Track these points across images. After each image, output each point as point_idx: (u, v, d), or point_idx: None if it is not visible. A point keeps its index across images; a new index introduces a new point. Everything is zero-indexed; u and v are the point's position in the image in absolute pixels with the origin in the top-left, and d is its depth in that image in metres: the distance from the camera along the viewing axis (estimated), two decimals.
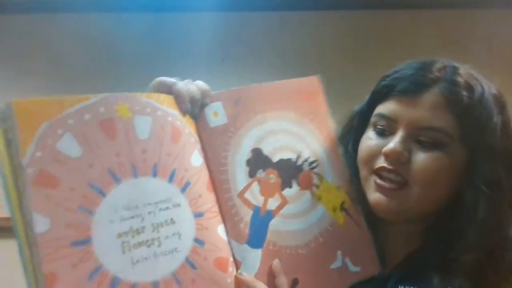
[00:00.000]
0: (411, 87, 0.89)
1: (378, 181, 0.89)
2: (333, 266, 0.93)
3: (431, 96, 0.88)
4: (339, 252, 0.94)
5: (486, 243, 0.85)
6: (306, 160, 0.97)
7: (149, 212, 0.75)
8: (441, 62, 0.92)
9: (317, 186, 0.97)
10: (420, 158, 0.86)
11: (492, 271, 0.84)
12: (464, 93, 0.87)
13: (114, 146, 0.74)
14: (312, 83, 1.03)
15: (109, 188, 0.72)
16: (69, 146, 0.69)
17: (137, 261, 0.72)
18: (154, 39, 3.00)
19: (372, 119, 0.95)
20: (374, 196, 0.91)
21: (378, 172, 0.90)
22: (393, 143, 0.87)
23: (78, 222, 0.67)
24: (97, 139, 0.72)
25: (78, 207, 0.68)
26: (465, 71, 0.90)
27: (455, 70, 0.90)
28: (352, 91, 1.06)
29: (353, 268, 0.95)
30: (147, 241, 0.74)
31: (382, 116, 0.92)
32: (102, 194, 0.71)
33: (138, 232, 0.73)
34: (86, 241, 0.67)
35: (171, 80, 0.88)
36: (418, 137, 0.87)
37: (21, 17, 3.02)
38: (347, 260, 0.95)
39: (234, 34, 3.00)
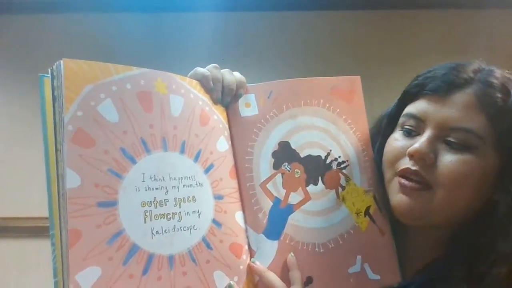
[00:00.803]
0: (443, 85, 0.85)
1: (402, 181, 0.85)
2: (351, 270, 0.91)
3: (463, 96, 0.84)
4: (358, 257, 0.93)
5: None
6: (335, 159, 0.96)
7: (173, 187, 0.77)
8: (478, 64, 0.89)
9: (343, 187, 0.95)
10: (448, 160, 0.82)
11: None
12: (499, 95, 0.84)
13: (148, 118, 0.77)
14: (351, 82, 1.02)
15: (139, 157, 0.74)
16: (108, 110, 0.72)
17: (157, 232, 0.73)
18: (154, 39, 3.02)
19: (400, 120, 0.92)
20: (396, 197, 0.87)
21: (402, 174, 0.86)
22: (419, 143, 0.83)
23: (107, 184, 0.69)
24: (134, 109, 0.75)
25: (109, 169, 0.70)
26: (501, 74, 0.88)
27: (491, 72, 0.87)
28: None
29: (372, 275, 0.92)
30: (168, 214, 0.75)
31: (410, 115, 0.89)
32: (133, 161, 0.73)
33: (161, 204, 0.75)
34: (112, 204, 0.69)
35: (204, 69, 0.90)
36: (446, 137, 0.83)
37: (21, 17, 3.08)
38: (367, 266, 0.93)
39: (234, 34, 3.02)
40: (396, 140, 0.91)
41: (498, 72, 0.88)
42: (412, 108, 0.90)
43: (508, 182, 0.82)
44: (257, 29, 3.06)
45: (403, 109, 0.93)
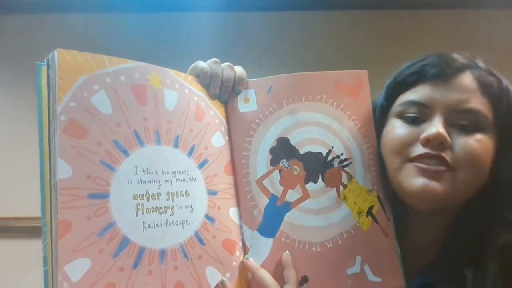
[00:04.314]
0: (447, 69, 0.87)
1: (421, 165, 0.84)
2: (349, 271, 0.90)
3: (465, 78, 0.86)
4: (358, 258, 0.91)
5: None
6: (337, 157, 0.94)
7: (166, 180, 0.79)
8: (457, 53, 0.93)
9: (345, 186, 0.94)
10: (463, 141, 0.83)
11: None
12: (493, 78, 0.89)
13: (142, 111, 0.78)
14: (357, 77, 0.99)
15: (133, 150, 0.76)
16: (102, 102, 0.74)
17: (149, 226, 0.74)
18: (154, 39, 3.04)
19: (398, 108, 0.91)
20: (418, 181, 0.84)
21: (419, 159, 0.85)
22: (435, 127, 0.83)
23: (99, 176, 0.71)
24: (128, 101, 0.77)
25: (101, 161, 0.72)
26: (482, 62, 0.92)
27: (475, 60, 0.92)
28: None
29: (373, 277, 0.90)
30: (160, 208, 0.77)
31: (412, 103, 0.89)
32: (126, 153, 0.75)
33: (153, 197, 0.76)
34: (104, 196, 0.71)
35: (204, 64, 0.91)
36: (457, 120, 0.85)
37: (21, 17, 3.13)
38: (367, 267, 0.91)
39: (234, 34, 3.03)
40: (399, 128, 0.89)
41: (479, 60, 0.92)
42: (413, 95, 0.89)
43: (508, 157, 0.86)
44: (257, 29, 3.07)
45: (394, 99, 0.94)
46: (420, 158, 0.84)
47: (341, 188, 0.93)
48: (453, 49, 0.95)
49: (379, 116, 0.97)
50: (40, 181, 0.69)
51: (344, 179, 0.94)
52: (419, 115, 0.88)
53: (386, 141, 0.92)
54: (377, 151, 0.96)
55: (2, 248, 2.91)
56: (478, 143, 0.83)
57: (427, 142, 0.83)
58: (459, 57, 0.90)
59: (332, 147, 0.94)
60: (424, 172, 0.83)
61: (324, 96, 0.96)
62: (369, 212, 0.93)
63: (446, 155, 0.83)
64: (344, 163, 0.94)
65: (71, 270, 0.66)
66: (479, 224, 0.87)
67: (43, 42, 3.04)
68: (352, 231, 0.92)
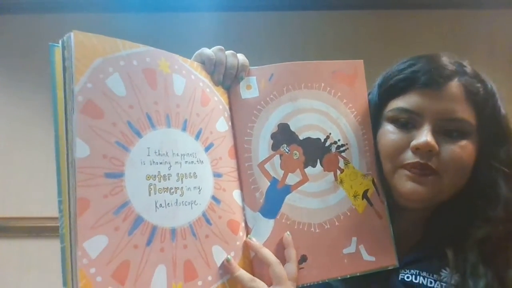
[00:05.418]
0: (437, 79, 0.94)
1: (410, 172, 0.94)
2: (345, 251, 0.97)
3: (453, 88, 0.94)
4: (354, 238, 0.98)
5: (509, 216, 0.93)
6: (334, 143, 1.01)
7: (176, 162, 0.82)
8: (447, 54, 1.01)
9: (342, 170, 1.01)
10: (450, 148, 0.92)
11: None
12: (479, 84, 0.96)
13: (153, 95, 0.81)
14: (353, 66, 1.07)
15: (145, 131, 0.78)
16: (116, 84, 0.76)
17: (160, 205, 0.78)
18: (154, 39, 3.02)
19: (390, 113, 1.00)
20: (408, 185, 0.95)
21: (410, 167, 0.94)
22: (425, 136, 0.92)
23: (114, 156, 0.73)
24: (140, 85, 0.79)
25: (116, 141, 0.74)
26: (468, 63, 1.00)
27: (462, 62, 0.99)
28: None
29: (367, 257, 0.98)
30: (170, 188, 0.80)
31: (403, 110, 0.97)
32: (139, 135, 0.77)
33: (164, 178, 0.79)
34: (119, 175, 0.73)
35: (208, 52, 0.95)
36: (444, 127, 0.93)
37: (21, 17, 3.11)
38: (362, 247, 0.98)
39: (234, 34, 3.05)
40: (392, 133, 0.98)
41: (465, 62, 1.00)
42: (403, 103, 0.97)
43: (490, 158, 0.96)
44: (257, 29, 3.09)
45: (386, 101, 1.02)
46: (411, 166, 0.93)
47: (338, 172, 1.00)
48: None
49: (374, 114, 1.04)
50: (56, 160, 0.70)
51: (341, 163, 1.01)
52: (409, 121, 0.96)
53: (380, 146, 1.01)
54: (372, 137, 1.03)
55: (2, 248, 2.92)
56: (462, 149, 0.93)
57: (417, 150, 0.92)
58: (448, 63, 0.97)
59: (330, 133, 1.01)
60: (412, 177, 0.93)
61: (323, 84, 1.02)
62: (364, 195, 1.01)
63: (433, 162, 0.92)
64: (341, 149, 1.01)
65: (90, 247, 0.68)
66: (460, 216, 0.97)
67: (43, 42, 3.01)
68: (348, 213, 0.99)
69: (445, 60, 0.98)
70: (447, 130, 0.94)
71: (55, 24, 3.05)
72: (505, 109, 1.00)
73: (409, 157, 0.94)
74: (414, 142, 0.93)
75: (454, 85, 0.94)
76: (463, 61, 1.00)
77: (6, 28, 3.10)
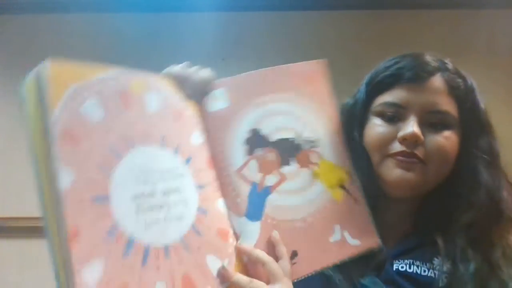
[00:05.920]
0: (421, 74, 1.02)
1: (400, 158, 1.00)
2: (332, 239, 1.02)
3: (436, 82, 1.02)
4: (337, 226, 1.03)
5: (491, 201, 1.01)
6: (305, 140, 1.07)
7: (159, 179, 0.83)
8: (429, 53, 1.09)
9: (316, 164, 1.06)
10: (435, 139, 1.00)
11: (495, 224, 1.01)
12: (459, 80, 1.04)
13: (129, 115, 0.82)
14: (315, 66, 1.13)
15: (125, 153, 0.79)
16: (92, 110, 0.76)
17: (150, 224, 0.79)
18: (154, 39, 3.06)
19: (377, 108, 1.07)
20: (395, 172, 1.01)
21: (396, 156, 1.01)
22: (411, 127, 0.98)
23: (99, 180, 0.74)
24: (116, 107, 0.80)
25: (98, 166, 0.74)
26: (450, 61, 1.08)
27: (444, 60, 1.08)
28: (353, 90, 1.14)
29: (352, 241, 1.03)
30: (157, 205, 0.81)
31: (391, 104, 1.04)
32: (119, 157, 0.78)
33: (150, 195, 0.80)
34: (105, 198, 0.74)
35: (176, 68, 0.98)
36: (429, 120, 1.01)
37: (21, 17, 3.08)
38: (346, 233, 1.03)
39: (234, 34, 3.08)
40: (380, 126, 1.06)
41: (447, 60, 1.08)
42: (390, 97, 1.05)
43: (472, 147, 1.04)
44: (257, 29, 3.11)
45: (373, 98, 1.09)
46: (398, 154, 1.01)
47: (313, 167, 1.06)
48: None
49: (361, 111, 1.11)
50: (39, 192, 0.70)
51: (315, 158, 1.06)
52: (396, 114, 1.03)
53: (369, 138, 1.07)
54: (341, 130, 1.10)
55: (2, 248, 2.88)
56: (446, 139, 1.00)
57: (404, 140, 1.00)
58: (431, 60, 1.06)
59: (300, 132, 1.06)
60: (401, 164, 1.00)
61: (288, 86, 1.08)
62: (341, 185, 1.07)
63: (419, 152, 1.00)
64: (312, 144, 1.07)
65: (86, 273, 0.67)
66: (446, 204, 1.05)
67: (43, 42, 3.00)
68: (329, 204, 1.04)
69: (428, 57, 1.05)
70: (432, 122, 1.01)
71: (55, 24, 3.05)
72: (484, 104, 1.07)
73: (396, 147, 1.01)
74: (401, 133, 1.00)
75: (437, 80, 1.02)
76: (445, 59, 1.08)
77: (6, 28, 3.06)
